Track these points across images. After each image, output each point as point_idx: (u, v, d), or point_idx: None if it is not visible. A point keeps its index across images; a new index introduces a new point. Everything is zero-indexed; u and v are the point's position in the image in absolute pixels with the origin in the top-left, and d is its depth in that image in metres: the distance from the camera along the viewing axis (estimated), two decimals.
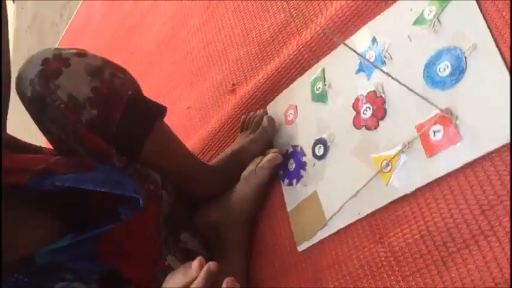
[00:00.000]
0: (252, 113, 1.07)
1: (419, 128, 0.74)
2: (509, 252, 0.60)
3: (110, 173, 0.78)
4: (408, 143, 0.74)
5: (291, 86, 1.02)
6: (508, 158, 0.63)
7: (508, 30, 0.67)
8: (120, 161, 0.81)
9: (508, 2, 0.68)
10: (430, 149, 0.71)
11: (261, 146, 1.00)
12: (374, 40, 0.85)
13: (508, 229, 0.60)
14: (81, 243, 0.71)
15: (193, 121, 1.29)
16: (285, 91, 1.03)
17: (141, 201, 0.74)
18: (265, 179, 0.97)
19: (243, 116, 1.08)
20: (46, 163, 0.74)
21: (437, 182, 0.70)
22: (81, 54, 0.80)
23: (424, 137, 0.72)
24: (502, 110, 0.64)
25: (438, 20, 0.75)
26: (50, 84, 0.76)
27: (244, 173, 0.97)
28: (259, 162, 0.96)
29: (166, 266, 0.83)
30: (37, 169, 0.72)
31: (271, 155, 0.96)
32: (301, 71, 1.00)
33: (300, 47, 1.00)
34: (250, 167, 0.97)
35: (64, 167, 0.74)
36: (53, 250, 0.69)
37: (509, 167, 0.62)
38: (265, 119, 1.01)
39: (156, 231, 0.84)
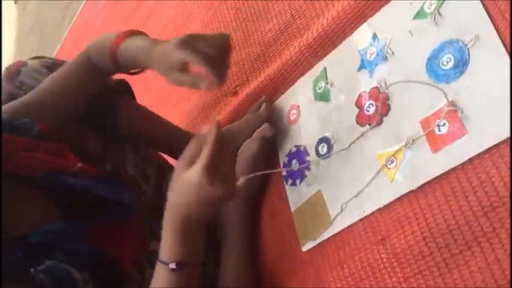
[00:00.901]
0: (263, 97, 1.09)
1: (423, 122, 0.73)
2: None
3: (113, 180, 0.85)
4: (413, 139, 0.74)
5: (293, 86, 1.02)
6: (510, 160, 0.62)
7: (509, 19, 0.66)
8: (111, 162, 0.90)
9: None
10: (435, 144, 0.71)
11: (251, 126, 1.01)
12: (375, 36, 0.85)
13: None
14: (72, 227, 0.76)
15: (195, 123, 1.29)
16: (287, 91, 1.03)
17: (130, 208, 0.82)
18: (258, 152, 0.97)
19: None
20: (65, 169, 0.79)
21: (439, 182, 0.70)
22: (36, 57, 0.94)
23: (428, 132, 0.72)
24: (506, 101, 0.64)
25: (439, 13, 0.75)
26: (15, 82, 0.87)
27: (239, 150, 0.98)
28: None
29: (150, 251, 0.87)
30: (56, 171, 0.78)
31: (263, 125, 0.99)
32: (303, 72, 1.00)
33: (302, 48, 0.99)
34: (244, 145, 0.99)
35: (81, 174, 0.80)
36: (45, 231, 0.73)
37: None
38: (263, 106, 1.03)
39: (142, 221, 0.90)
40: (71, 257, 0.74)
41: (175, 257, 0.70)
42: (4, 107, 0.81)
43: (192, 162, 0.68)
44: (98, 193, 0.81)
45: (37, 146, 0.77)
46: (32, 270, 0.69)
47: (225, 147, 0.70)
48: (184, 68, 0.77)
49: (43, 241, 0.72)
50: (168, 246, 0.71)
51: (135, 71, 0.88)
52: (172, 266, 0.69)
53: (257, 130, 0.98)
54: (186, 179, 0.68)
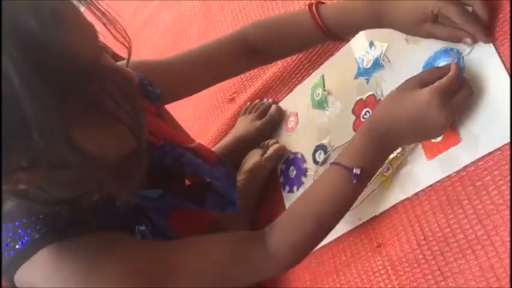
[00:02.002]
0: (257, 100, 1.07)
1: None
2: (506, 261, 0.59)
3: (224, 169, 0.83)
4: (408, 146, 0.74)
5: (291, 93, 1.02)
6: (504, 167, 0.62)
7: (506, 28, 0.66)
8: None
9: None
10: (430, 151, 0.71)
11: (266, 134, 1.00)
12: (371, 44, 0.85)
13: (505, 238, 0.60)
14: (164, 201, 0.74)
15: (192, 130, 1.29)
16: (284, 99, 1.04)
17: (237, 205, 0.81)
18: (269, 172, 0.96)
19: (248, 103, 1.08)
20: (184, 142, 0.79)
21: (434, 190, 0.70)
22: None
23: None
24: (501, 110, 0.64)
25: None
26: None
27: (248, 165, 0.96)
28: (262, 154, 0.96)
29: None
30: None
31: (277, 145, 0.97)
32: (301, 79, 1.00)
33: (300, 55, 1.00)
34: (253, 159, 0.96)
35: (197, 152, 0.79)
36: (142, 196, 0.71)
37: (505, 175, 0.62)
38: (273, 107, 1.02)
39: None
40: (155, 229, 0.72)
41: (362, 164, 0.67)
42: (133, 63, 0.72)
43: (424, 84, 0.65)
44: (208, 176, 0.79)
45: (159, 115, 0.76)
46: (136, 227, 0.69)
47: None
48: (435, 19, 0.68)
49: (139, 204, 0.70)
50: (357, 152, 0.69)
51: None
52: (357, 171, 0.67)
53: (273, 148, 0.96)
54: (414, 96, 0.65)
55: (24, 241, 0.58)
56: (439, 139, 0.70)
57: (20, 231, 0.58)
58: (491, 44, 0.67)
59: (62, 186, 0.53)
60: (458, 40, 0.68)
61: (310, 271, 0.85)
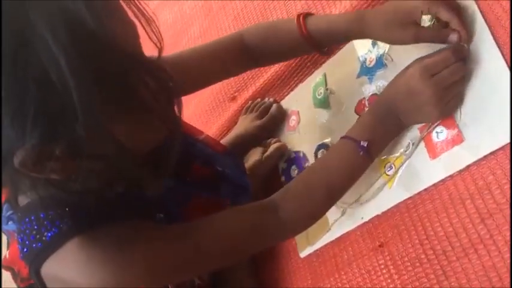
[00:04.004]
0: (259, 99, 1.08)
1: (422, 129, 0.73)
2: (508, 261, 0.59)
3: (233, 159, 0.85)
4: (412, 145, 0.74)
5: (293, 92, 1.02)
6: (507, 166, 0.62)
7: (508, 26, 0.66)
8: None
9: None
10: (434, 151, 0.71)
11: (267, 133, 1.01)
12: (374, 43, 0.85)
13: (507, 238, 0.60)
14: (179, 190, 0.76)
15: None
16: (286, 97, 1.04)
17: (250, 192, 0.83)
18: (270, 170, 0.97)
19: (250, 102, 1.09)
20: (193, 134, 0.82)
21: (437, 189, 0.70)
22: None
23: (427, 139, 0.73)
24: (504, 109, 0.64)
25: (438, 21, 0.75)
26: None
27: (248, 164, 0.96)
28: (263, 153, 0.96)
29: None
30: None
31: (278, 143, 0.97)
32: (303, 78, 1.00)
33: None
34: (254, 157, 0.97)
35: (206, 143, 0.82)
36: None
37: (507, 175, 0.62)
38: (274, 106, 1.02)
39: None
40: (169, 220, 0.73)
41: (368, 137, 0.71)
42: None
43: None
44: (219, 165, 0.81)
45: None
46: (157, 215, 0.70)
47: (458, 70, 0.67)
48: (417, 22, 0.69)
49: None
50: (364, 127, 0.73)
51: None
52: (364, 143, 0.71)
53: (274, 147, 0.97)
54: (404, 72, 0.70)
55: (52, 233, 0.58)
56: (442, 138, 0.70)
57: (46, 223, 0.58)
58: (493, 42, 0.67)
59: (92, 176, 0.52)
60: (445, 40, 0.69)
61: (312, 270, 0.85)
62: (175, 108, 0.57)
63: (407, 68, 0.70)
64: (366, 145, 0.71)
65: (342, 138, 0.74)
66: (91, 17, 0.45)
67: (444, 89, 0.67)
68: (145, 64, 0.52)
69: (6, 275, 0.72)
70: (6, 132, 0.44)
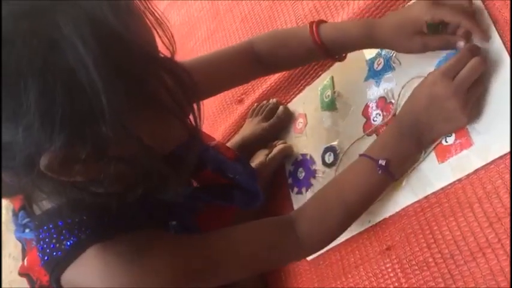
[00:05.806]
0: (265, 101, 1.08)
1: None
2: None
3: (243, 166, 0.84)
4: (423, 152, 0.73)
5: (300, 94, 1.02)
6: None
7: None
8: None
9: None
10: (442, 154, 0.71)
11: (274, 135, 1.01)
12: None
13: None
14: (192, 197, 0.76)
15: None
16: (293, 100, 1.04)
17: (261, 197, 0.82)
18: (273, 171, 0.97)
19: (256, 104, 1.09)
20: (205, 140, 0.82)
21: (445, 193, 0.70)
22: None
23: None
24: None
25: (447, 24, 0.75)
26: None
27: (253, 165, 0.96)
28: (268, 154, 0.96)
29: None
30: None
31: (282, 145, 0.98)
32: (310, 81, 1.00)
33: None
34: (259, 158, 0.97)
35: (217, 149, 0.82)
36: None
37: None
38: (281, 108, 1.03)
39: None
40: (182, 227, 0.73)
41: (387, 156, 0.70)
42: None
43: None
44: (230, 172, 0.81)
45: None
46: (170, 223, 0.70)
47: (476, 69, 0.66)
48: (423, 32, 0.70)
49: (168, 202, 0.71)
50: (383, 145, 0.72)
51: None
52: (382, 162, 0.70)
53: (278, 149, 0.97)
54: (423, 83, 0.69)
55: (71, 242, 0.58)
56: (450, 142, 0.70)
57: (64, 231, 0.58)
58: (504, 48, 0.67)
59: (116, 178, 0.53)
60: (453, 46, 0.69)
61: (318, 273, 0.85)
62: (195, 108, 0.57)
63: (425, 78, 0.69)
64: (384, 163, 0.70)
65: (360, 155, 0.73)
66: (116, 19, 0.46)
67: (467, 92, 0.66)
68: (166, 64, 0.53)
69: (21, 280, 0.73)
70: (35, 135, 0.44)
